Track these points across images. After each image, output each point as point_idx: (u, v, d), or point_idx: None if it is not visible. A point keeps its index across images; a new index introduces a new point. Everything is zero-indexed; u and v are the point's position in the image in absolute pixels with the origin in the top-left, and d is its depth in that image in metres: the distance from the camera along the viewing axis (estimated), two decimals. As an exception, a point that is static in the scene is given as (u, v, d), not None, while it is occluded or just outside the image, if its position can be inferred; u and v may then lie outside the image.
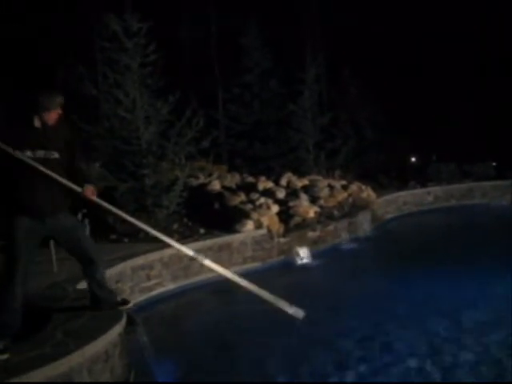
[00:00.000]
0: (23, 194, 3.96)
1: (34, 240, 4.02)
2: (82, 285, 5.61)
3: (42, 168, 3.93)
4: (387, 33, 19.16)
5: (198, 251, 7.85)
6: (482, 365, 4.55)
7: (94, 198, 4.28)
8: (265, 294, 4.46)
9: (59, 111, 4.15)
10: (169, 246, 7.70)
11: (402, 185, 15.77)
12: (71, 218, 4.37)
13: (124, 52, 9.19)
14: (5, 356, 3.53)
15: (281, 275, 8.44)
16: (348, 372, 4.58)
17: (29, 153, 3.92)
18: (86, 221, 7.31)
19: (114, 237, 8.52)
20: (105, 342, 3.93)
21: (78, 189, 4.15)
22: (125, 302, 4.70)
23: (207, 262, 4.59)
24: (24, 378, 3.22)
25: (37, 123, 4.05)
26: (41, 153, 3.98)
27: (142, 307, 6.71)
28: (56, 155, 4.06)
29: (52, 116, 4.09)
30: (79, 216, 7.41)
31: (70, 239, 4.27)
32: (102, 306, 4.44)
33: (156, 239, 8.04)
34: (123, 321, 4.35)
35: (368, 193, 12.82)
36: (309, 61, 15.07)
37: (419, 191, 15.25)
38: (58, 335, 3.92)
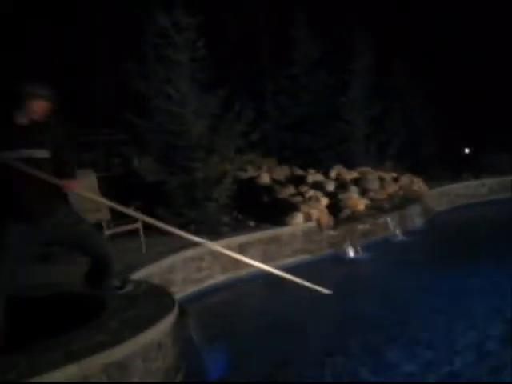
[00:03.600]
0: (14, 199, 3.76)
1: (29, 246, 3.88)
2: (137, 275, 5.79)
3: (24, 167, 3.65)
4: (439, 19, 18.68)
5: (247, 244, 8.09)
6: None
7: (81, 191, 4.08)
8: (301, 281, 4.66)
9: (45, 103, 3.87)
10: (218, 238, 7.93)
11: (455, 176, 15.36)
12: (73, 214, 4.16)
13: (174, 47, 9.32)
14: None
15: (330, 268, 8.39)
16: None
17: (10, 153, 3.67)
18: (138, 214, 7.47)
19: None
20: (158, 331, 4.04)
21: (60, 182, 3.85)
22: (124, 285, 4.64)
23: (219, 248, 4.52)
24: (83, 363, 3.35)
25: (20, 119, 3.81)
26: (23, 152, 3.71)
27: (192, 298, 6.85)
28: (44, 154, 3.83)
29: (36, 108, 3.82)
30: (132, 209, 7.61)
31: (73, 236, 4.12)
32: (95, 287, 4.38)
33: (206, 231, 8.26)
34: (175, 311, 4.46)
35: (419, 185, 12.59)
36: (358, 50, 14.87)
37: (473, 183, 14.82)
38: (113, 323, 4.05)
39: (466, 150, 18.87)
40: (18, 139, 3.74)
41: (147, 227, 7.75)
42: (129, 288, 4.67)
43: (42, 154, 3.81)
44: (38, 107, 3.84)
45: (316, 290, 4.97)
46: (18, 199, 3.77)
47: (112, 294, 4.49)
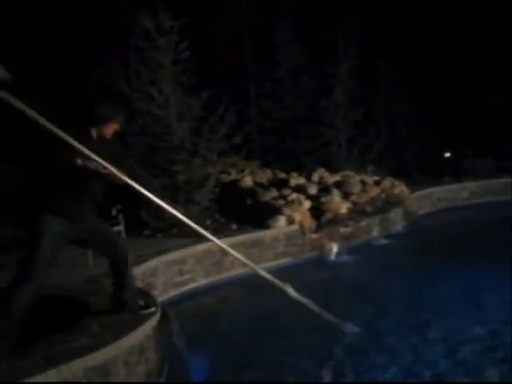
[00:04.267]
0: (61, 197, 3.89)
1: (62, 242, 3.96)
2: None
3: (117, 173, 3.87)
4: (421, 24, 18.89)
5: (230, 247, 8.06)
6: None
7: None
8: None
9: (117, 126, 4.12)
10: (201, 242, 7.90)
11: (437, 180, 15.53)
12: (99, 224, 4.31)
13: (157, 50, 9.31)
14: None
15: (312, 271, 8.44)
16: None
17: (80, 161, 3.83)
18: (121, 216, 7.45)
19: (147, 232, 8.66)
20: (140, 335, 4.02)
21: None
22: (148, 305, 4.51)
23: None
24: (63, 368, 3.31)
25: (93, 134, 4.02)
26: (93, 164, 3.85)
27: (174, 302, 6.81)
28: (100, 168, 3.91)
29: (109, 130, 4.07)
30: (113, 212, 7.57)
31: (97, 242, 4.26)
32: (124, 308, 4.30)
33: (189, 235, 8.22)
34: (157, 315, 4.44)
35: (401, 188, 12.70)
36: (341, 55, 14.98)
37: (454, 187, 14.99)
38: (95, 327, 4.02)
39: (448, 154, 19.09)
40: (92, 151, 3.80)
41: (129, 230, 7.73)
42: (152, 308, 4.51)
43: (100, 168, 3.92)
44: (113, 129, 4.11)
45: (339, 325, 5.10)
46: (67, 200, 3.91)
47: (136, 313, 4.35)
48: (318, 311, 4.97)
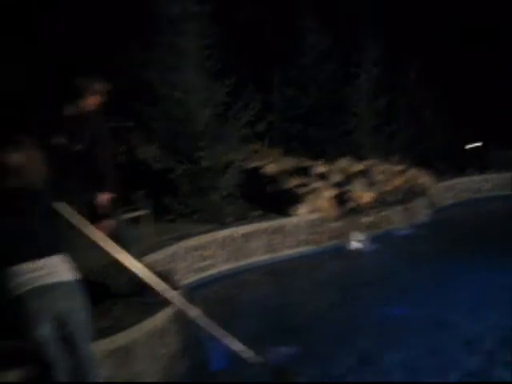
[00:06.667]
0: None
1: None
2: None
3: None
4: (451, 9, 18.47)
5: (251, 233, 8.11)
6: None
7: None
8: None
9: (98, 98, 3.93)
10: (223, 228, 7.94)
11: (461, 171, 15.32)
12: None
13: (182, 35, 9.28)
14: None
15: (333, 259, 8.42)
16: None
17: (53, 139, 3.75)
18: (145, 201, 7.50)
19: (170, 217, 8.71)
20: (161, 319, 4.06)
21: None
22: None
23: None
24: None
25: (69, 110, 3.86)
26: (62, 140, 3.78)
27: (195, 287, 6.86)
28: (79, 147, 3.89)
29: (92, 102, 3.90)
30: (138, 196, 7.63)
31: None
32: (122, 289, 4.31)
33: (211, 220, 8.26)
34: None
35: (425, 179, 12.55)
36: (367, 43, 14.78)
37: (477, 178, 14.77)
38: (117, 310, 4.06)
39: (472, 145, 18.78)
40: (62, 128, 3.76)
41: (152, 215, 7.78)
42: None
43: (79, 146, 3.88)
44: (94, 102, 3.92)
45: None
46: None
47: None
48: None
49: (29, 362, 3.09)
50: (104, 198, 3.92)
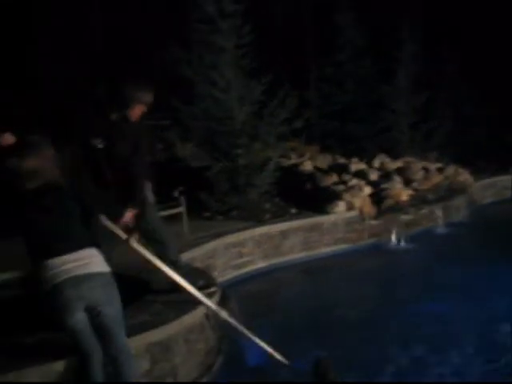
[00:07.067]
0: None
1: None
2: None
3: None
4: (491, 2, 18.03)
5: (288, 231, 8.12)
6: None
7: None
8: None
9: (144, 108, 3.93)
10: (260, 225, 7.97)
11: (503, 169, 14.96)
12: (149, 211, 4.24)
13: (219, 33, 9.34)
14: None
15: (371, 257, 8.36)
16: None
17: (96, 141, 3.79)
18: (182, 198, 7.58)
19: (207, 214, 8.78)
20: (200, 314, 4.11)
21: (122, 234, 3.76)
22: (207, 285, 4.44)
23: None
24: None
25: (114, 116, 3.88)
26: (103, 143, 3.80)
27: (233, 283, 6.91)
28: (124, 152, 3.88)
29: (135, 112, 3.89)
30: (175, 193, 7.71)
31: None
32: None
33: (248, 218, 8.31)
34: (217, 295, 4.51)
35: (465, 176, 12.31)
36: (405, 38, 14.57)
37: (521, 176, 14.42)
38: (157, 305, 4.13)
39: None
40: (105, 132, 3.79)
41: (189, 212, 7.86)
42: (212, 288, 4.46)
43: (123, 151, 3.87)
44: (139, 112, 3.91)
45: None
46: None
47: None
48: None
49: (68, 354, 3.18)
50: (129, 216, 3.81)
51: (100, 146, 3.81)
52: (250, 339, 4.15)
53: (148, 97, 3.92)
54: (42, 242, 3.07)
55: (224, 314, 4.17)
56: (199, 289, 4.27)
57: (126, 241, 3.76)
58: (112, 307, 3.11)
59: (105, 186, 3.88)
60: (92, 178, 3.87)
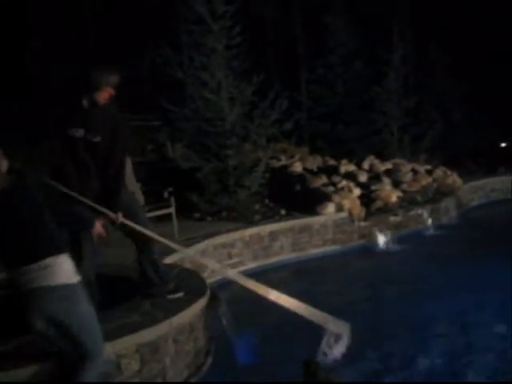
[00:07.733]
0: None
1: None
2: (170, 259, 5.86)
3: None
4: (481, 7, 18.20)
5: (278, 232, 8.14)
6: None
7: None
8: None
9: (113, 91, 3.86)
10: (250, 226, 7.99)
11: (491, 171, 15.08)
12: (127, 194, 4.19)
13: (210, 34, 9.35)
14: None
15: (360, 259, 8.39)
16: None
17: (72, 131, 3.74)
18: (172, 199, 7.59)
19: (197, 215, 8.80)
20: (190, 314, 4.11)
21: (110, 213, 3.75)
22: (176, 290, 4.34)
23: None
24: (116, 343, 3.43)
25: (85, 103, 3.81)
26: (81, 132, 3.75)
27: (223, 284, 6.90)
28: (98, 138, 3.80)
29: (103, 95, 3.82)
30: (165, 194, 7.72)
31: (126, 215, 3.96)
32: (152, 288, 4.29)
33: (238, 219, 8.32)
34: (207, 295, 4.52)
35: (453, 178, 12.40)
36: (395, 41, 14.66)
37: (508, 178, 14.50)
38: (146, 305, 4.13)
39: (503, 144, 18.47)
40: (81, 120, 3.76)
41: (179, 213, 7.87)
42: (180, 294, 4.37)
43: (98, 139, 3.80)
44: (107, 95, 3.85)
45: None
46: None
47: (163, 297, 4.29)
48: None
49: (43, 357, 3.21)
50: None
51: (78, 135, 3.76)
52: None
53: (114, 79, 3.86)
54: (10, 249, 3.02)
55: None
56: (168, 292, 4.28)
57: (115, 218, 3.77)
58: (75, 318, 3.04)
59: (88, 177, 3.85)
60: (75, 170, 3.82)
